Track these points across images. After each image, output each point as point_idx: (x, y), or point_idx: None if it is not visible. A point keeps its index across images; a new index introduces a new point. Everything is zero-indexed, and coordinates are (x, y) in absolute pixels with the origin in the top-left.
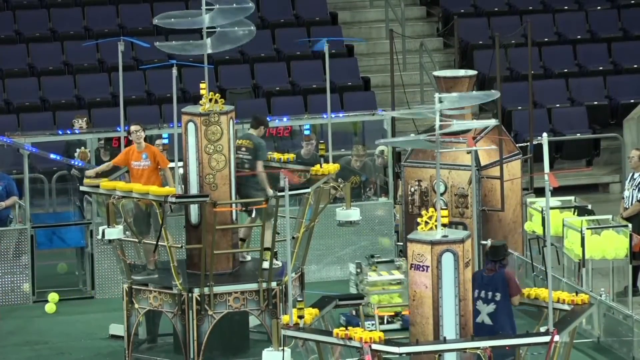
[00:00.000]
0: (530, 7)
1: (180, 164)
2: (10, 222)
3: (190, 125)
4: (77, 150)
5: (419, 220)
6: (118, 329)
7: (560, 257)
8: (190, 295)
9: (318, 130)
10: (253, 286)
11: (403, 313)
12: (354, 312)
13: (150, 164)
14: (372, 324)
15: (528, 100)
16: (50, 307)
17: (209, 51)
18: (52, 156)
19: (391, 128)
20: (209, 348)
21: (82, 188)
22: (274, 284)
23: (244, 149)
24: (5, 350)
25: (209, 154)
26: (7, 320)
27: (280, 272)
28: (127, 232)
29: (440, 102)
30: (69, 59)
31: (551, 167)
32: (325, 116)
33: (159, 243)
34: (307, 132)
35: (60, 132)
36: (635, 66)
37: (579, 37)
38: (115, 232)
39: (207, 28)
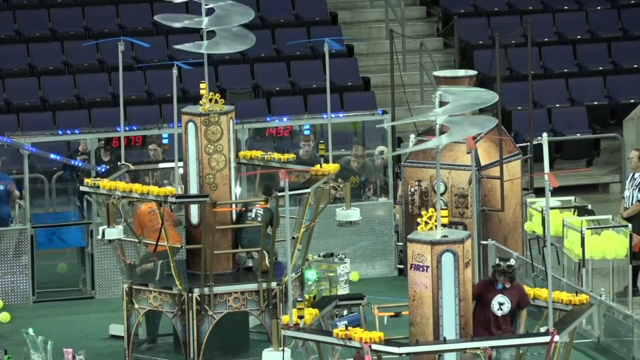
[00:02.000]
0: (530, 7)
1: (180, 164)
2: (11, 222)
3: (190, 125)
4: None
5: (419, 220)
6: (118, 329)
7: (560, 257)
8: (190, 295)
9: (318, 130)
10: (253, 286)
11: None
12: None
13: None
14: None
15: (528, 100)
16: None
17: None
18: (52, 156)
19: (391, 129)
20: (209, 348)
21: (82, 188)
22: (274, 284)
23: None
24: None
25: (209, 154)
26: (9, 323)
27: (280, 272)
28: (126, 232)
29: (440, 102)
30: (69, 59)
31: (551, 167)
32: (325, 116)
33: (159, 243)
34: (307, 132)
35: (60, 132)
36: (635, 66)
37: (579, 37)
38: (115, 232)
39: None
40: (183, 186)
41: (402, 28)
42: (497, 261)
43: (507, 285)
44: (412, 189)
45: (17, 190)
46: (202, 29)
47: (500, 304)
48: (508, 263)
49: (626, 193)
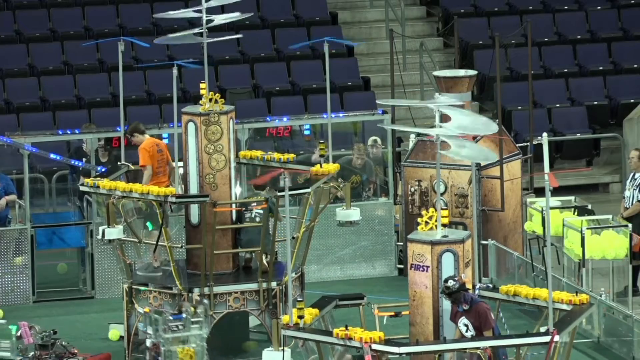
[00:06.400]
0: (530, 7)
1: (180, 164)
2: (9, 223)
3: (190, 125)
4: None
5: (419, 220)
6: (118, 329)
7: (560, 257)
8: (190, 295)
9: (318, 130)
10: (253, 286)
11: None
12: None
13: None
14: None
15: (528, 100)
16: None
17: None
18: (52, 156)
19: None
20: (209, 348)
21: (82, 188)
22: (274, 284)
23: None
24: None
25: (209, 153)
26: (8, 320)
27: (280, 272)
28: (126, 232)
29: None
30: (69, 59)
31: (551, 167)
32: (325, 116)
33: (159, 243)
34: (307, 132)
35: (60, 132)
36: (635, 66)
37: (579, 37)
38: (115, 232)
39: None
40: (183, 186)
41: (402, 28)
42: None
43: (465, 307)
44: (412, 189)
45: (14, 193)
46: (201, 16)
47: (466, 325)
48: (445, 284)
49: (626, 193)
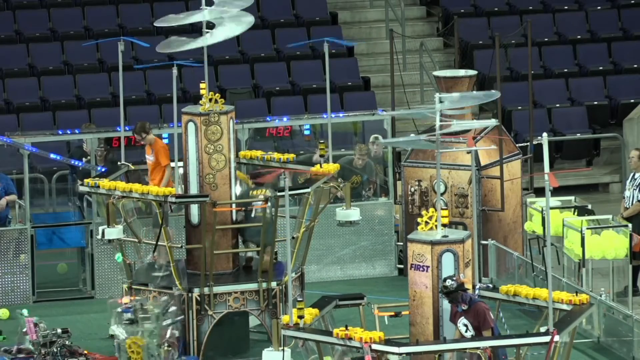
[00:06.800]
0: (530, 7)
1: (180, 164)
2: (9, 223)
3: (190, 125)
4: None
5: (419, 220)
6: None
7: (560, 257)
8: (190, 295)
9: (318, 130)
10: (253, 286)
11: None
12: None
13: (154, 159)
14: None
15: (528, 100)
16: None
17: (209, 42)
18: (52, 156)
19: (391, 128)
20: (209, 348)
21: (81, 188)
22: (274, 284)
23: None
24: None
25: (209, 153)
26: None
27: (280, 272)
28: (126, 232)
29: (441, 102)
30: (69, 59)
31: (551, 167)
32: (325, 116)
33: (159, 243)
34: (307, 132)
35: (60, 132)
36: (635, 66)
37: (579, 37)
38: (115, 232)
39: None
40: (183, 186)
41: (402, 28)
42: None
43: (464, 307)
44: (412, 189)
45: (14, 193)
46: (202, 22)
47: (465, 325)
48: (444, 284)
49: (626, 193)
